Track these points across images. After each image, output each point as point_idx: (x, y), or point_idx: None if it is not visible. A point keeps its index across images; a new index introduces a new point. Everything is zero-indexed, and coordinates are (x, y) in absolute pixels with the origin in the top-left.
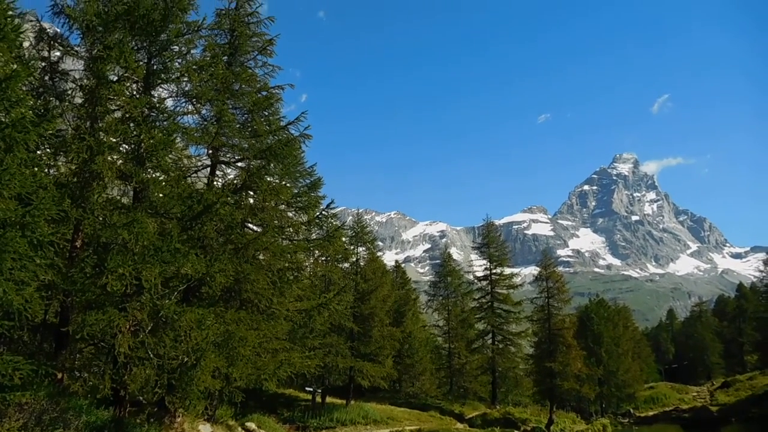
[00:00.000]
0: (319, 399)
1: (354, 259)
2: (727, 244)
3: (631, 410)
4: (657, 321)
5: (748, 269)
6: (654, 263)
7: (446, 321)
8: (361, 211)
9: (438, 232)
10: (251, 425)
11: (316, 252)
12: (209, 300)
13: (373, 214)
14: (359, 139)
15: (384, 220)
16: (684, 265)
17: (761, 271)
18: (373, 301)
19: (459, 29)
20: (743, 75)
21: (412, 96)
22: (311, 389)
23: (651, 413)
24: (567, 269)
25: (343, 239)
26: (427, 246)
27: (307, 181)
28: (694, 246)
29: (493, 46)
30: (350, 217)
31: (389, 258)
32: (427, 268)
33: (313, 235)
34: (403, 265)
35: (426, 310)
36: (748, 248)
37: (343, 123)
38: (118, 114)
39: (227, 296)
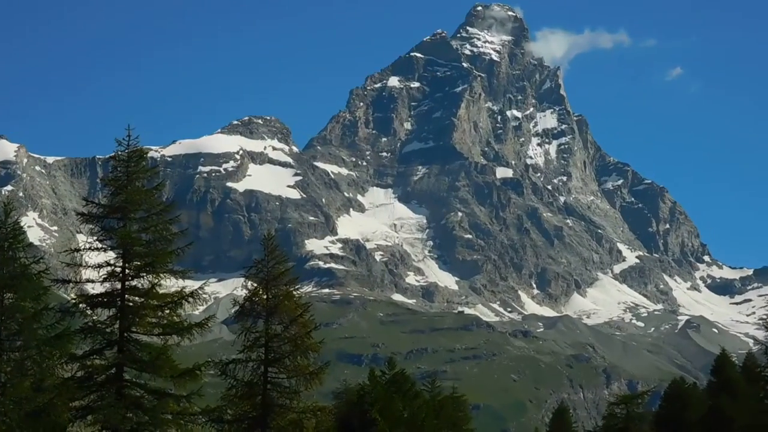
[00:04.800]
0: None
1: None
2: (706, 257)
3: None
4: None
5: (740, 315)
6: (537, 290)
7: None
8: None
9: None
10: None
11: None
12: None
13: None
14: None
15: None
16: (604, 298)
17: None
18: None
19: None
20: None
21: None
22: None
23: None
24: (327, 290)
25: None
26: None
27: None
28: (631, 255)
29: None
30: None
31: None
32: None
33: None
34: None
35: None
36: (750, 272)
37: None
38: None
39: None
